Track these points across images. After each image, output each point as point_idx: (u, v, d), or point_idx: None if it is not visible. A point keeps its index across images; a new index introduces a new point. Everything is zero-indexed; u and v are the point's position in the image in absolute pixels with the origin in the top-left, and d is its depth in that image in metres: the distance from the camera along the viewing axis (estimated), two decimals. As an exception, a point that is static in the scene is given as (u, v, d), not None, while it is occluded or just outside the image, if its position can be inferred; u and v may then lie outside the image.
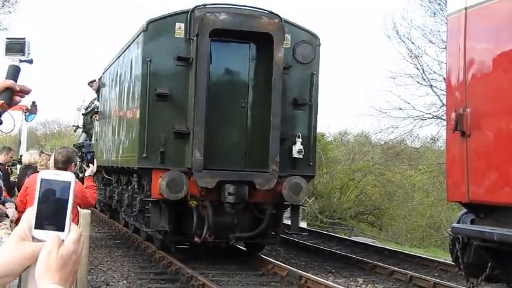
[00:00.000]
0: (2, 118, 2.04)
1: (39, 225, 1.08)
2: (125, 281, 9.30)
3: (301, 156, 10.17)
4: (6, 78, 1.97)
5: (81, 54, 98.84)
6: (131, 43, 11.25)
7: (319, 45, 10.72)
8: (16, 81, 1.94)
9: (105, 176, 14.83)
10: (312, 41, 10.64)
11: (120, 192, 13.14)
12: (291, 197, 9.78)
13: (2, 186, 6.74)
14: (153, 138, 9.80)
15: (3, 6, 24.50)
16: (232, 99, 10.39)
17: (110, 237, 14.42)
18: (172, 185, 9.31)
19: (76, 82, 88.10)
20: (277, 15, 10.08)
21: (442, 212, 17.18)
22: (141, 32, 10.12)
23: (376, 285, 9.55)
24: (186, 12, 9.96)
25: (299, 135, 10.22)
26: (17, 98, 1.93)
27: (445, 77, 3.74)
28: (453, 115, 3.26)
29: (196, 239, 9.94)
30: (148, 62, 9.79)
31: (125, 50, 12.18)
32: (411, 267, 11.04)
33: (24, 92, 1.96)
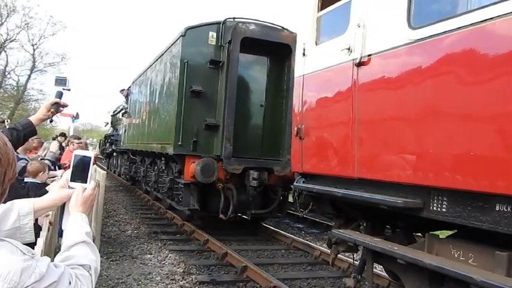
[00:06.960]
0: (53, 119, 3.24)
1: (72, 179, 1.48)
2: (124, 209, 14.28)
3: (303, 148, 11.33)
4: (55, 97, 3.11)
5: (110, 72, 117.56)
6: (171, 45, 11.25)
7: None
8: (60, 99, 3.10)
9: (131, 156, 15.90)
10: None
11: (145, 170, 13.93)
12: (301, 181, 10.76)
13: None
14: (187, 129, 10.00)
15: (62, 60, 35.67)
16: (253, 99, 10.92)
17: (117, 186, 22.06)
18: (205, 170, 9.55)
19: (104, 93, 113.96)
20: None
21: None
22: (180, 37, 10.32)
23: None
24: (218, 23, 10.29)
25: (303, 130, 11.30)
26: (60, 108, 3.10)
27: (292, 108, 5.48)
28: (295, 128, 5.30)
29: (221, 215, 10.07)
30: (186, 63, 10.11)
31: (162, 55, 12.12)
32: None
33: (65, 105, 3.13)
